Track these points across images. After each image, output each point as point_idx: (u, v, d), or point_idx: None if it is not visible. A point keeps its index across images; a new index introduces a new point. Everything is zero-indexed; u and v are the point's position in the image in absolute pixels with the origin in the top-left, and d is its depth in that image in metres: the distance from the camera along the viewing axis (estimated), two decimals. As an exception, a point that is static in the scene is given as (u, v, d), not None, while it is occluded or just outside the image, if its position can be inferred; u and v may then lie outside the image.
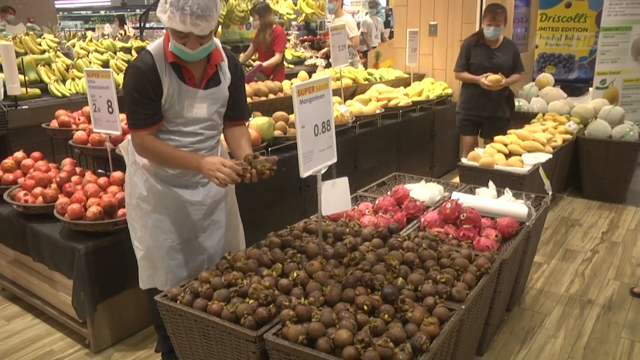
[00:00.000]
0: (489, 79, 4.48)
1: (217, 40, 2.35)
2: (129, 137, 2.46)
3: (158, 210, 2.40)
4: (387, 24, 12.41)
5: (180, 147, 2.32)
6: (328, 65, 6.91)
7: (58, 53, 5.15)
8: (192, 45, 2.15)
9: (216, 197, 2.50)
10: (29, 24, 5.98)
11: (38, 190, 3.14)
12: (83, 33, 6.73)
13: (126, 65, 5.50)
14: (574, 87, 6.79)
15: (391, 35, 7.76)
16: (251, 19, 7.09)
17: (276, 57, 5.91)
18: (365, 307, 2.00)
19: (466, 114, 4.83)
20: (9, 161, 3.50)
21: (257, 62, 5.81)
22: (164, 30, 2.28)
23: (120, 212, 2.90)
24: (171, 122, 2.30)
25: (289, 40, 8.54)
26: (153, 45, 2.26)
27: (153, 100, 2.21)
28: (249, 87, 4.40)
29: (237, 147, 2.43)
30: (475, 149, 4.49)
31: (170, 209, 2.40)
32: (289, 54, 7.84)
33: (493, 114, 4.73)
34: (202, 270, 2.33)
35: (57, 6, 11.03)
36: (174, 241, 2.43)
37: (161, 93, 2.22)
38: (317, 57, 8.01)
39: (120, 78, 5.16)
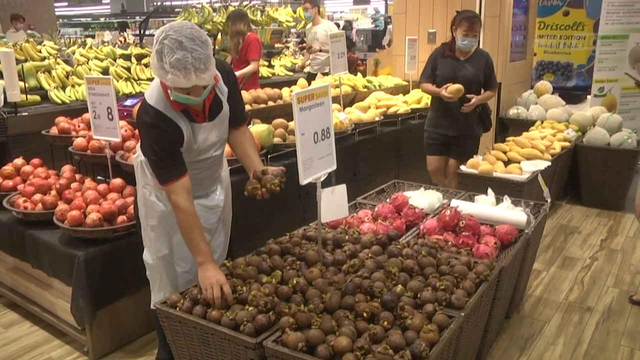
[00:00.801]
0: (448, 90, 3.99)
1: None
2: (137, 155, 2.46)
3: None
4: (386, 32, 12.50)
5: (197, 170, 2.37)
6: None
7: (58, 60, 5.16)
8: (197, 94, 2.13)
9: (224, 199, 2.58)
10: (29, 31, 6.01)
11: (38, 197, 3.14)
12: (83, 40, 6.75)
13: (126, 72, 5.51)
14: (572, 95, 6.84)
15: (390, 43, 7.81)
16: (251, 26, 7.11)
17: (250, 67, 5.68)
18: (364, 314, 2.00)
19: (432, 132, 4.36)
20: (8, 168, 3.50)
21: None
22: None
23: (120, 219, 2.90)
24: (190, 156, 2.32)
25: (287, 47, 8.58)
26: (154, 100, 2.20)
27: (177, 149, 2.23)
28: (248, 95, 4.41)
29: (244, 154, 2.45)
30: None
31: None
32: (288, 61, 7.87)
33: (460, 132, 4.24)
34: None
35: (57, 13, 11.06)
36: None
37: (182, 140, 2.24)
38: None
39: (120, 85, 5.18)
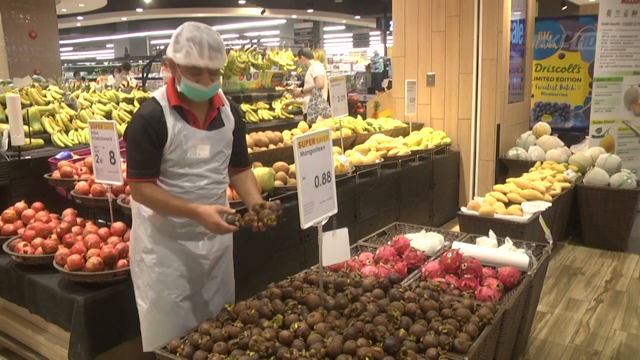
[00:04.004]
0: None
1: None
2: None
3: (163, 264, 2.40)
4: (385, 74, 12.71)
5: (187, 193, 2.33)
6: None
7: (62, 104, 5.22)
8: (205, 82, 2.22)
9: (218, 252, 2.51)
10: (34, 76, 6.08)
11: (38, 240, 3.12)
12: (87, 84, 6.84)
13: (129, 115, 5.57)
14: (571, 136, 6.91)
15: (389, 85, 7.93)
16: (252, 69, 7.23)
17: None
18: (367, 359, 1.97)
19: None
20: (10, 211, 3.50)
21: None
22: (166, 81, 2.35)
23: (120, 262, 2.88)
24: (178, 165, 2.32)
25: (290, 91, 8.68)
26: (156, 92, 2.34)
27: (155, 147, 2.24)
28: (249, 137, 4.45)
29: (246, 193, 2.48)
30: None
31: (175, 262, 2.40)
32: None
33: None
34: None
35: (62, 58, 11.28)
36: (178, 297, 2.42)
37: (165, 136, 2.25)
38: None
39: (122, 128, 5.22)
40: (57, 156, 3.89)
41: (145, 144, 2.23)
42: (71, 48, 27.56)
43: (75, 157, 3.92)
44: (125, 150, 2.34)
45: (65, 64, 19.95)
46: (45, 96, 5.28)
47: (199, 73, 2.20)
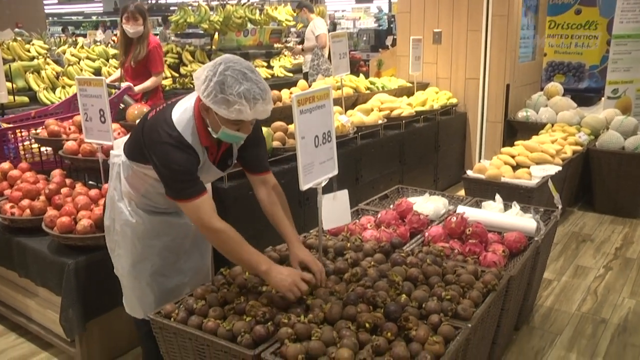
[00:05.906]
0: None
1: None
2: (117, 154, 2.37)
3: (146, 236, 2.34)
4: (389, 31, 12.38)
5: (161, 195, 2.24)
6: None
7: (48, 60, 5.04)
8: (246, 129, 2.09)
9: None
10: (16, 30, 5.87)
11: (26, 202, 3.02)
12: (74, 39, 6.60)
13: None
14: (584, 97, 6.69)
15: (394, 43, 7.71)
16: (249, 25, 7.02)
17: (153, 80, 4.68)
18: (367, 325, 1.95)
19: None
20: (-5, 172, 3.39)
21: (126, 83, 4.51)
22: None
23: (111, 225, 2.79)
24: None
25: (289, 49, 8.46)
26: (182, 128, 2.07)
27: (196, 169, 2.13)
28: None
29: (277, 221, 2.33)
30: None
31: (159, 233, 2.35)
32: (287, 61, 7.73)
33: None
34: (184, 293, 2.28)
35: (46, 11, 10.90)
36: (161, 266, 2.38)
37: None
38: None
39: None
40: None
41: (195, 166, 2.10)
42: (56, 0, 26.78)
43: (4, 125, 3.60)
44: (164, 176, 2.11)
45: (50, 18, 19.45)
46: (29, 51, 5.11)
47: (243, 123, 2.05)
